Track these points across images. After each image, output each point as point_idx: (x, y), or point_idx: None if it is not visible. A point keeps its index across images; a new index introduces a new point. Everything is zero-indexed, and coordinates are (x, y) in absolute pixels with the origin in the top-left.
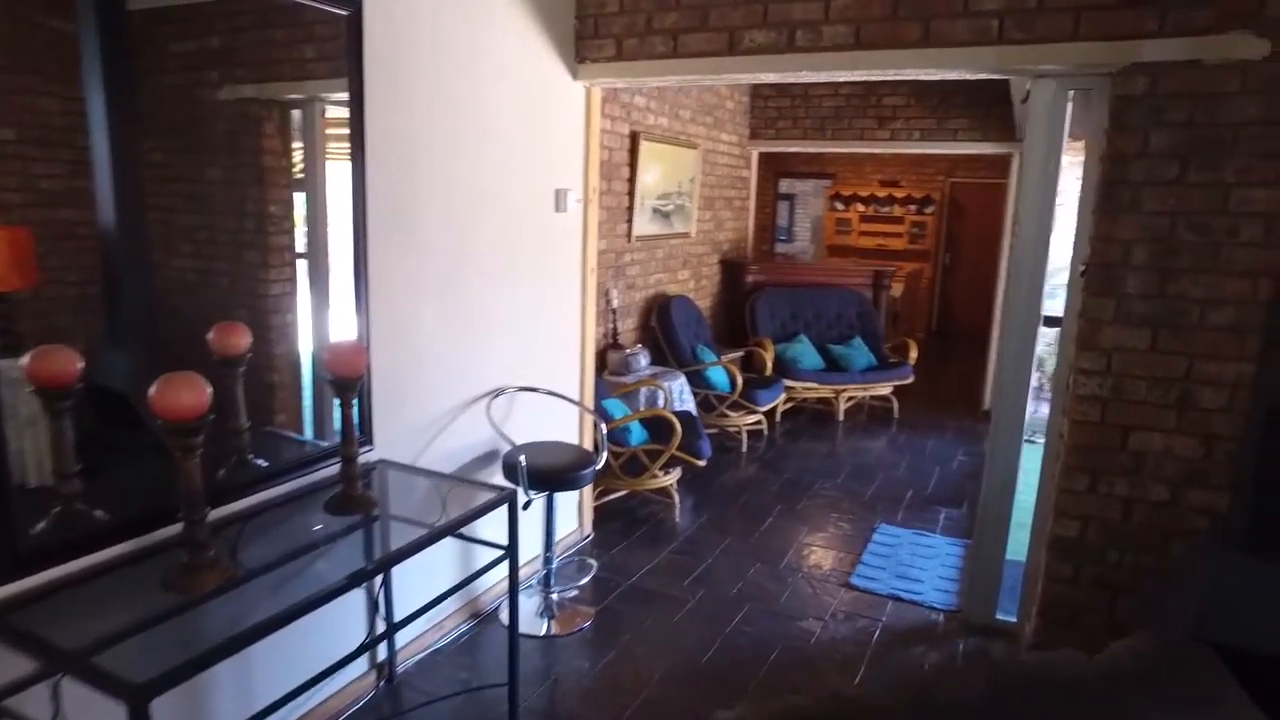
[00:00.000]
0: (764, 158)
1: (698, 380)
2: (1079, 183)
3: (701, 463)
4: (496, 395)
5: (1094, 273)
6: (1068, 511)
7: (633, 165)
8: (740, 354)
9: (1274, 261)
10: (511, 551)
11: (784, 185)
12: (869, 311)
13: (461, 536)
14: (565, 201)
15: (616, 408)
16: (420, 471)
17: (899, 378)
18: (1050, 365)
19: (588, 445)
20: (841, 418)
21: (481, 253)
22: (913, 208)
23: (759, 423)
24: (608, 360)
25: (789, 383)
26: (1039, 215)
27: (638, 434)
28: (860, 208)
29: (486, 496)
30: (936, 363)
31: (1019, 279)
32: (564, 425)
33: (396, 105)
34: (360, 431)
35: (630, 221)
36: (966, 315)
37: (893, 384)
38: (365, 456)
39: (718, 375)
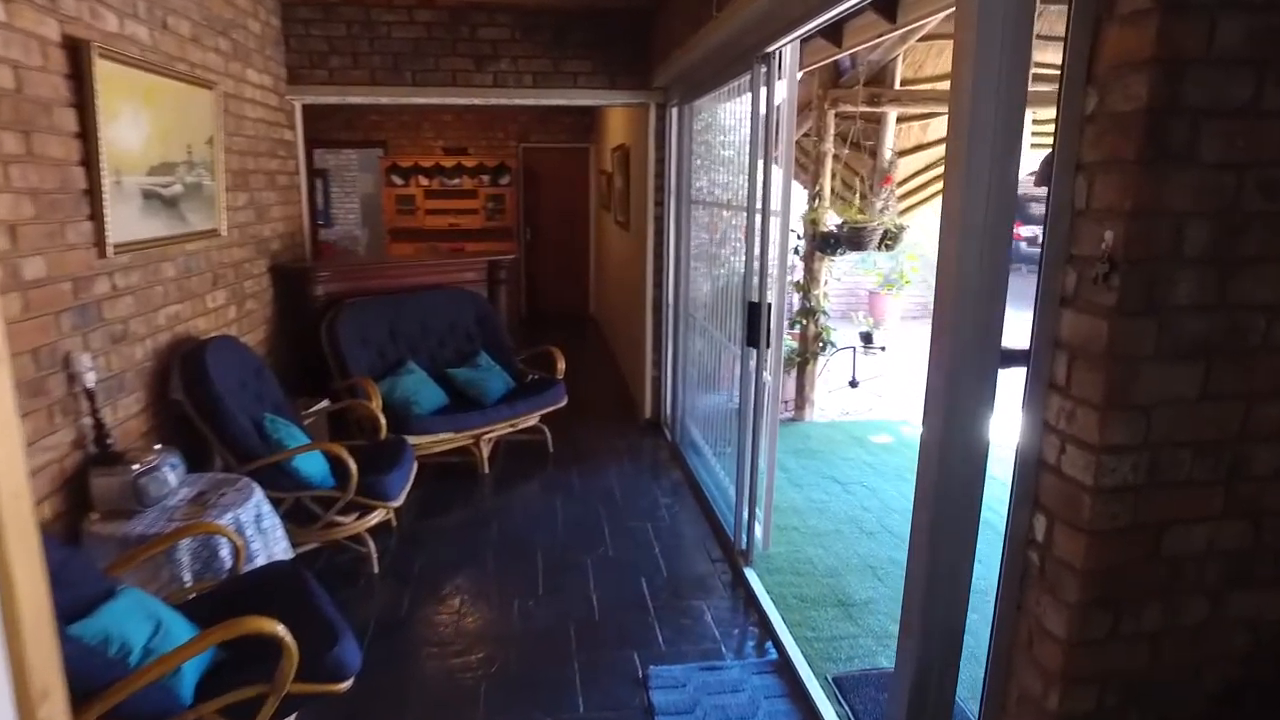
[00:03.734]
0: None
1: (278, 478)
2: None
3: (340, 687)
4: None
5: (1128, 275)
6: (1082, 674)
7: (84, 106)
8: (325, 405)
9: None
10: None
11: (317, 158)
12: (489, 315)
13: None
14: None
15: (124, 612)
16: None
17: (551, 402)
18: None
19: None
20: (486, 469)
21: None
22: (485, 179)
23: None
24: (92, 493)
25: (411, 439)
26: (999, 168)
27: (189, 678)
28: (424, 181)
29: None
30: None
31: (956, 277)
32: None
33: None
34: None
35: (98, 217)
36: (558, 298)
37: (543, 411)
38: None
39: (311, 465)
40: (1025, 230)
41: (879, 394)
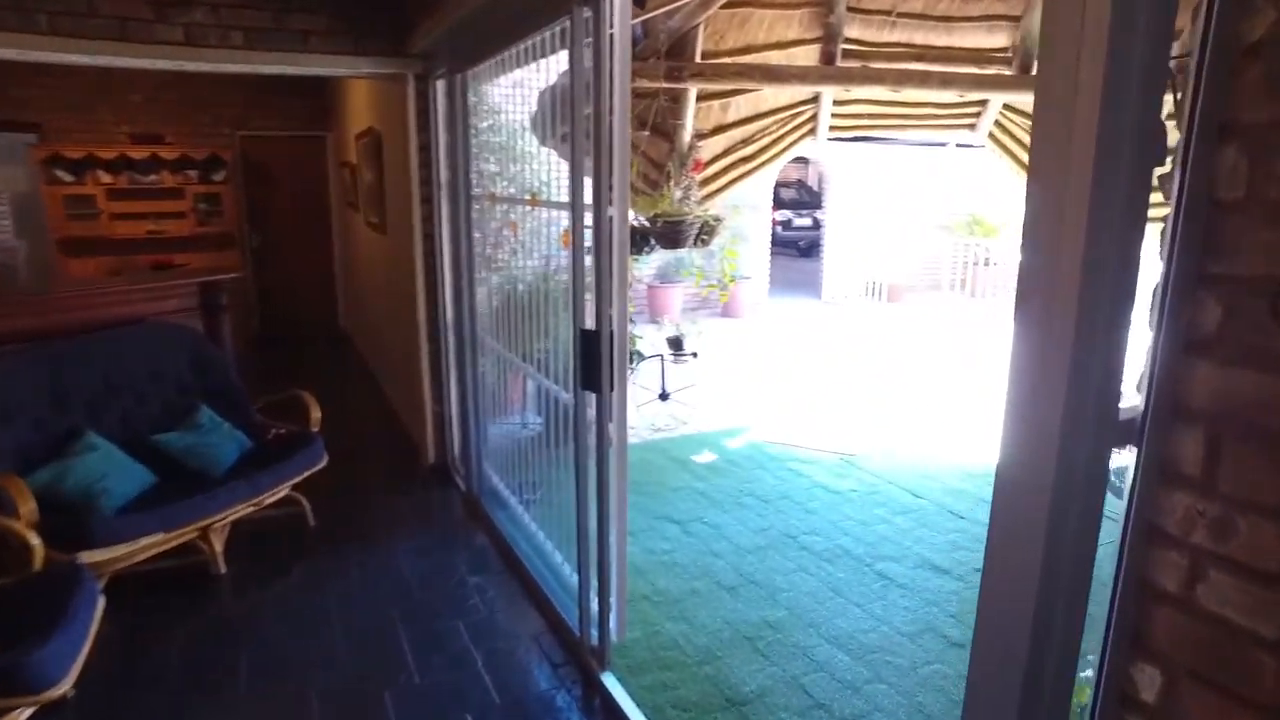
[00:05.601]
0: None
1: None
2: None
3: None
4: None
5: None
6: None
7: None
8: None
9: None
10: None
11: None
12: (209, 355)
13: None
14: None
15: None
16: None
17: (306, 465)
18: None
19: None
20: (222, 568)
21: None
22: (193, 174)
23: None
24: None
25: (96, 555)
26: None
27: None
28: (107, 178)
29: None
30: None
31: (1051, 314)
32: None
33: None
34: None
35: None
36: (300, 314)
37: (296, 479)
38: None
39: None
40: (780, 215)
41: (692, 405)
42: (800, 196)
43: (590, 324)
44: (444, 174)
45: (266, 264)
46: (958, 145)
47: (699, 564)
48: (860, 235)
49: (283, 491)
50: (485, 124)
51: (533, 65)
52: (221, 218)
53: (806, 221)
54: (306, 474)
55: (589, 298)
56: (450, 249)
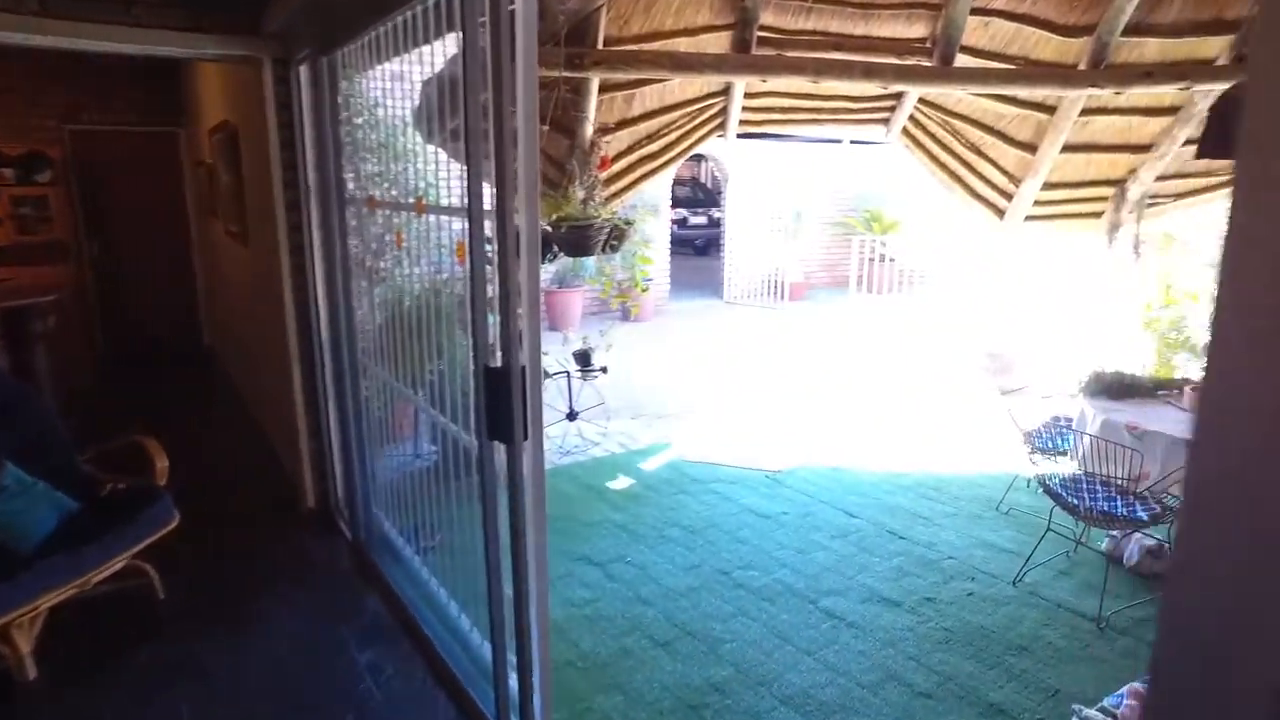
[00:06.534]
0: None
1: None
2: None
3: None
4: None
5: None
6: None
7: None
8: None
9: None
10: None
11: None
12: (18, 398)
13: None
14: None
15: None
16: None
17: (149, 529)
18: None
19: None
20: (31, 673)
21: None
22: (9, 173)
23: None
24: None
25: None
26: None
27: None
28: None
29: None
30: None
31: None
32: None
33: None
34: None
35: None
36: (157, 330)
37: (138, 547)
38: None
39: None
40: (675, 214)
41: (603, 425)
42: (695, 195)
43: (496, 360)
44: (312, 175)
45: (112, 277)
46: (852, 142)
47: (627, 615)
48: (760, 233)
49: (119, 564)
50: (362, 118)
51: (416, 51)
52: (50, 225)
53: (702, 220)
54: (151, 539)
55: (494, 320)
56: (323, 262)
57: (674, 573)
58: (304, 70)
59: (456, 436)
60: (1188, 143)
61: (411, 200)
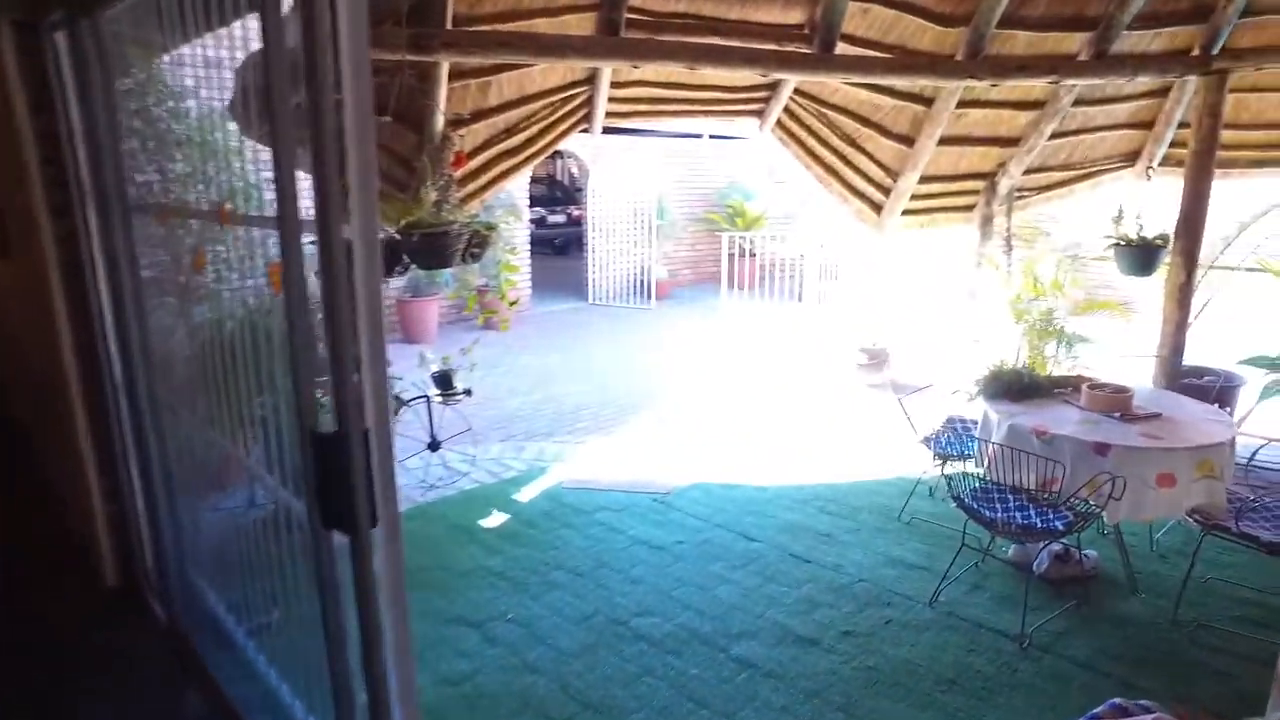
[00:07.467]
0: None
1: None
2: None
3: None
4: None
5: None
6: None
7: None
8: None
9: None
10: None
11: None
12: None
13: None
14: None
15: None
16: None
17: None
18: None
19: None
20: None
21: None
22: None
23: None
24: None
25: None
26: None
27: None
28: None
29: None
30: None
31: None
32: None
33: None
34: None
35: None
36: None
37: None
38: None
39: None
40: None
41: (469, 454)
42: (552, 193)
43: (328, 424)
44: (87, 175)
45: None
46: (712, 136)
47: (514, 689)
48: (623, 231)
49: None
50: (165, 107)
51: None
52: None
53: (560, 218)
54: None
55: (319, 386)
56: (108, 283)
57: (564, 628)
58: (62, 39)
59: (288, 504)
60: (1053, 136)
61: (224, 201)
